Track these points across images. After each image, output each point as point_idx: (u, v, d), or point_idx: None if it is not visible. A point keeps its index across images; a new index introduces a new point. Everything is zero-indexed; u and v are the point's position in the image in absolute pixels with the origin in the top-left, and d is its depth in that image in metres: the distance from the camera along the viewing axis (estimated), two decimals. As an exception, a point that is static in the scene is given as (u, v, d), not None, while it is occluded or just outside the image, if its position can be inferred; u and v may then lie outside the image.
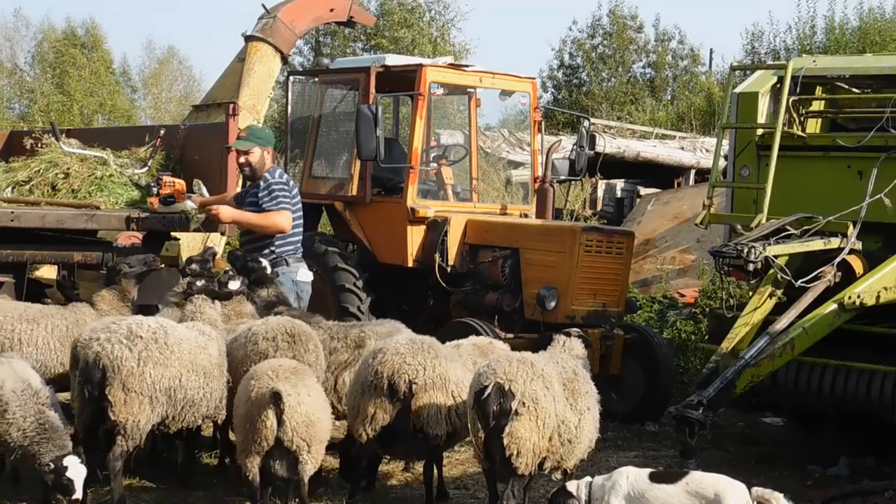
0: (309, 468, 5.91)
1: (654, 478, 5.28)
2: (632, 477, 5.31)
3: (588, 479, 5.46)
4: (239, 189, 9.34)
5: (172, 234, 9.02)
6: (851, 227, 7.38)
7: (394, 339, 6.38)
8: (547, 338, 6.61)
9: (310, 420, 5.85)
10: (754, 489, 5.19)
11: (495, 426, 5.61)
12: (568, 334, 6.50)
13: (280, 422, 5.76)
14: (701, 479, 5.22)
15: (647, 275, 13.58)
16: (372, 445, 6.28)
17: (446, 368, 6.27)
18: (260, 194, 7.96)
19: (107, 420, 5.99)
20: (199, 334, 6.44)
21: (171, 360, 6.13)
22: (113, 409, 5.93)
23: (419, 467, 7.39)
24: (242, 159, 8.11)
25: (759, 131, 8.02)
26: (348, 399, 6.45)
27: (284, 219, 7.92)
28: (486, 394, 5.59)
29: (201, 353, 6.31)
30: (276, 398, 5.72)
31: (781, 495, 5.22)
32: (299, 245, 8.16)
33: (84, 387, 5.99)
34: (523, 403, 5.62)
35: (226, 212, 8.05)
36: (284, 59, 12.03)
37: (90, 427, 6.12)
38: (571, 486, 5.44)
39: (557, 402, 5.79)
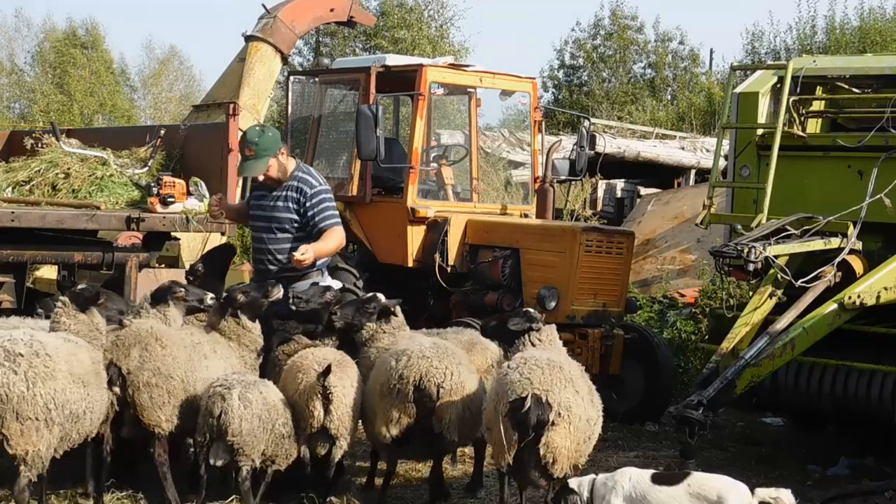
0: (341, 451, 6.30)
1: (655, 479, 5.27)
2: (634, 478, 5.29)
3: (592, 476, 5.45)
4: (239, 190, 9.29)
5: (172, 234, 9.02)
6: (851, 227, 7.38)
7: (416, 343, 6.30)
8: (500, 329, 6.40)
9: (350, 410, 6.19)
10: (758, 490, 5.17)
11: (532, 437, 5.55)
12: (532, 318, 6.28)
13: (327, 411, 6.10)
14: (703, 481, 5.20)
15: (647, 275, 13.59)
16: (391, 449, 6.28)
17: (467, 375, 6.25)
18: (307, 204, 7.02)
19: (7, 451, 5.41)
20: (65, 341, 5.80)
21: (56, 373, 5.49)
22: (10, 442, 5.36)
23: (417, 465, 7.40)
24: (262, 178, 7.10)
25: (760, 131, 8.02)
26: (372, 400, 6.33)
27: (343, 233, 7.22)
28: (527, 406, 5.50)
29: (75, 361, 5.67)
30: (325, 391, 6.05)
31: (788, 491, 5.21)
32: None
33: None
34: (559, 414, 5.57)
35: (310, 255, 6.84)
36: (284, 59, 12.06)
37: None
38: (574, 482, 5.42)
39: (585, 402, 5.77)
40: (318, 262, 7.11)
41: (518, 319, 6.36)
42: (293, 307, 6.71)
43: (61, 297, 6.10)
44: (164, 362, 6.10)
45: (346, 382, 6.20)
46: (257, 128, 7.35)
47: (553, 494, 5.57)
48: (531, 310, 6.43)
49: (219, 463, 6.00)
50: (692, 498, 5.11)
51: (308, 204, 7.03)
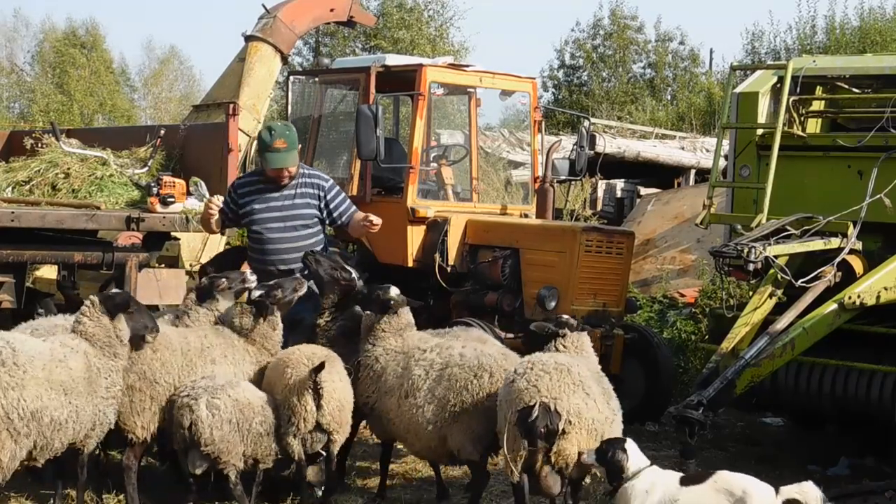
0: (338, 445, 6.30)
1: (683, 482, 5.29)
2: (666, 482, 5.31)
3: (648, 462, 5.39)
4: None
5: (172, 234, 9.02)
6: (851, 227, 7.38)
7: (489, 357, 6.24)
8: (542, 335, 6.34)
9: (341, 404, 6.18)
10: (783, 488, 5.18)
11: (542, 446, 5.52)
12: (561, 324, 6.23)
13: (318, 406, 6.07)
14: (729, 478, 5.24)
15: (647, 275, 13.59)
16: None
17: None
18: (328, 196, 7.22)
19: None
20: (60, 345, 5.63)
21: (26, 382, 5.28)
22: None
23: (418, 465, 7.40)
24: (286, 174, 7.17)
25: (760, 131, 8.02)
26: (428, 416, 6.26)
27: None
28: (535, 416, 5.44)
29: (60, 368, 5.47)
30: (315, 385, 6.02)
31: (810, 483, 5.23)
32: None
33: None
34: (569, 421, 5.52)
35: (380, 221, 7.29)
36: (284, 59, 12.03)
37: None
38: (632, 454, 5.36)
39: (598, 404, 5.72)
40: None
41: (541, 323, 6.38)
42: (304, 259, 6.87)
43: (91, 296, 5.88)
44: (152, 367, 6.03)
45: (335, 377, 6.19)
46: (279, 123, 7.46)
47: (604, 441, 5.49)
48: (566, 316, 6.40)
49: (198, 471, 5.98)
50: (717, 493, 5.13)
51: (328, 196, 7.28)
